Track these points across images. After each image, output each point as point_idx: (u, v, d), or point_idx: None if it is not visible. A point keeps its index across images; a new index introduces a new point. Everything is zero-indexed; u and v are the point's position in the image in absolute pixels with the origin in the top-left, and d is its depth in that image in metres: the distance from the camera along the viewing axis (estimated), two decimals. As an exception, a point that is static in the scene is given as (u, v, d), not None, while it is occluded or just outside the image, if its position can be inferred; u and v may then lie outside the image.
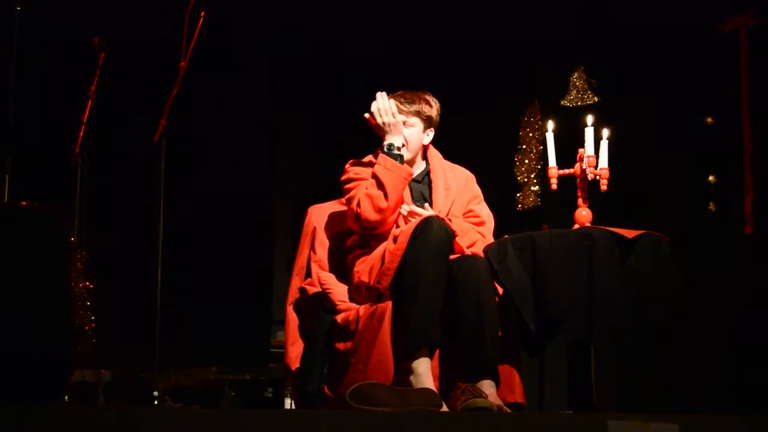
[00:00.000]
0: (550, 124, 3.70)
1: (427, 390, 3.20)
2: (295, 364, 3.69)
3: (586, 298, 3.33)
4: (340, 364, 3.49)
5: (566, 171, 3.67)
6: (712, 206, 5.42)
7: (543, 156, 5.59)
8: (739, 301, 5.19)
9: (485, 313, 3.36)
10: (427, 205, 3.72)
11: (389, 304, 3.41)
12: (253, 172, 6.09)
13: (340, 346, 3.50)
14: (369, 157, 3.75)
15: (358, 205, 3.59)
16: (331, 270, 3.77)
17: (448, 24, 5.85)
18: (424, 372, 3.29)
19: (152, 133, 4.19)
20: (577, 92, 5.74)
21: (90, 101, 4.89)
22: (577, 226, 3.57)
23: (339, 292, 3.66)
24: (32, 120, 5.13)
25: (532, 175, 5.81)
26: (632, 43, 5.57)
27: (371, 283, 3.51)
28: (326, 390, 3.52)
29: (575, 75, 5.77)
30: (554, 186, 3.68)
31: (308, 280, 3.78)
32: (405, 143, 3.71)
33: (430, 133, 3.81)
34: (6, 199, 4.25)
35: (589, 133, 3.63)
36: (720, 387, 5.07)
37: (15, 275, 2.92)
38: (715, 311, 5.10)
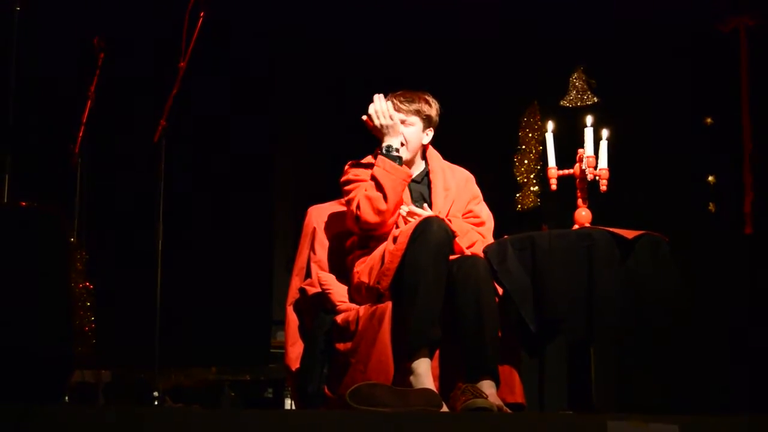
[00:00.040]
0: (550, 125, 3.70)
1: (427, 390, 3.20)
2: (295, 364, 3.69)
3: (586, 298, 3.33)
4: (340, 364, 3.49)
5: (566, 171, 3.67)
6: (711, 206, 5.43)
7: (542, 156, 5.59)
8: (739, 301, 5.20)
9: (485, 313, 3.36)
10: (426, 205, 3.72)
11: (389, 305, 3.41)
12: (253, 172, 6.09)
13: (340, 346, 3.50)
14: (368, 158, 3.75)
15: (358, 207, 3.59)
16: (331, 270, 3.77)
17: (448, 24, 5.85)
18: (424, 372, 3.29)
19: (152, 133, 4.20)
20: (577, 92, 5.74)
21: (90, 101, 4.89)
22: (576, 226, 3.57)
23: (339, 292, 3.66)
24: (32, 120, 5.13)
25: (532, 176, 5.81)
26: (632, 43, 5.57)
27: (371, 283, 3.51)
28: (326, 390, 3.52)
29: (575, 75, 5.77)
30: (554, 186, 3.68)
31: (308, 280, 3.78)
32: (405, 142, 3.71)
33: (430, 133, 3.82)
34: (6, 199, 4.25)
35: (588, 133, 3.62)
36: (720, 387, 5.07)
37: (15, 275, 2.92)
38: (715, 311, 5.10)
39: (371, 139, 3.76)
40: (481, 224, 3.77)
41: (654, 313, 3.39)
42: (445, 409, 3.16)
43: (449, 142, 3.93)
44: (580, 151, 3.64)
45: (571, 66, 5.78)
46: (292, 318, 3.79)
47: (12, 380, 2.83)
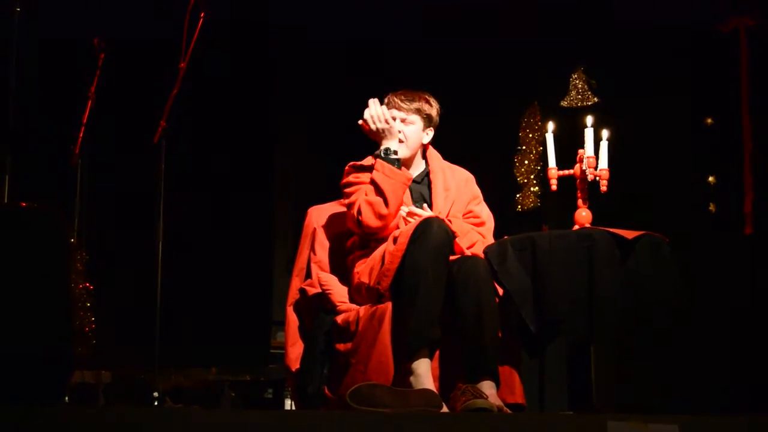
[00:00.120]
0: (550, 125, 3.70)
1: (427, 391, 3.20)
2: (295, 365, 3.69)
3: (586, 298, 3.33)
4: (340, 365, 3.49)
5: (566, 172, 3.67)
6: (712, 207, 5.43)
7: (543, 157, 5.59)
8: (739, 301, 5.20)
9: (485, 313, 3.36)
10: (426, 206, 3.72)
11: (389, 305, 3.41)
12: (253, 172, 6.09)
13: (340, 347, 3.50)
14: (368, 159, 3.75)
15: (359, 212, 3.58)
16: (331, 271, 3.77)
17: (448, 24, 5.85)
18: (424, 373, 3.28)
19: (152, 134, 4.20)
20: (577, 93, 5.74)
21: (90, 102, 4.89)
22: (577, 226, 3.57)
23: (339, 293, 3.66)
24: (32, 120, 5.13)
25: (532, 176, 5.81)
26: (632, 44, 5.57)
27: (371, 284, 3.50)
28: (326, 391, 3.52)
29: (575, 76, 5.77)
30: (554, 187, 3.68)
31: (308, 281, 3.78)
32: (404, 139, 3.71)
33: (430, 133, 3.81)
34: (6, 199, 4.25)
35: (588, 133, 3.62)
36: (720, 387, 5.07)
37: (15, 276, 2.91)
38: (715, 311, 5.10)
39: (371, 140, 3.76)
40: (481, 224, 3.76)
41: (654, 314, 3.39)
42: (445, 409, 3.16)
43: (449, 142, 3.93)
44: (581, 151, 3.64)
45: (571, 66, 5.78)
46: (292, 318, 3.79)
47: (12, 381, 2.83)
